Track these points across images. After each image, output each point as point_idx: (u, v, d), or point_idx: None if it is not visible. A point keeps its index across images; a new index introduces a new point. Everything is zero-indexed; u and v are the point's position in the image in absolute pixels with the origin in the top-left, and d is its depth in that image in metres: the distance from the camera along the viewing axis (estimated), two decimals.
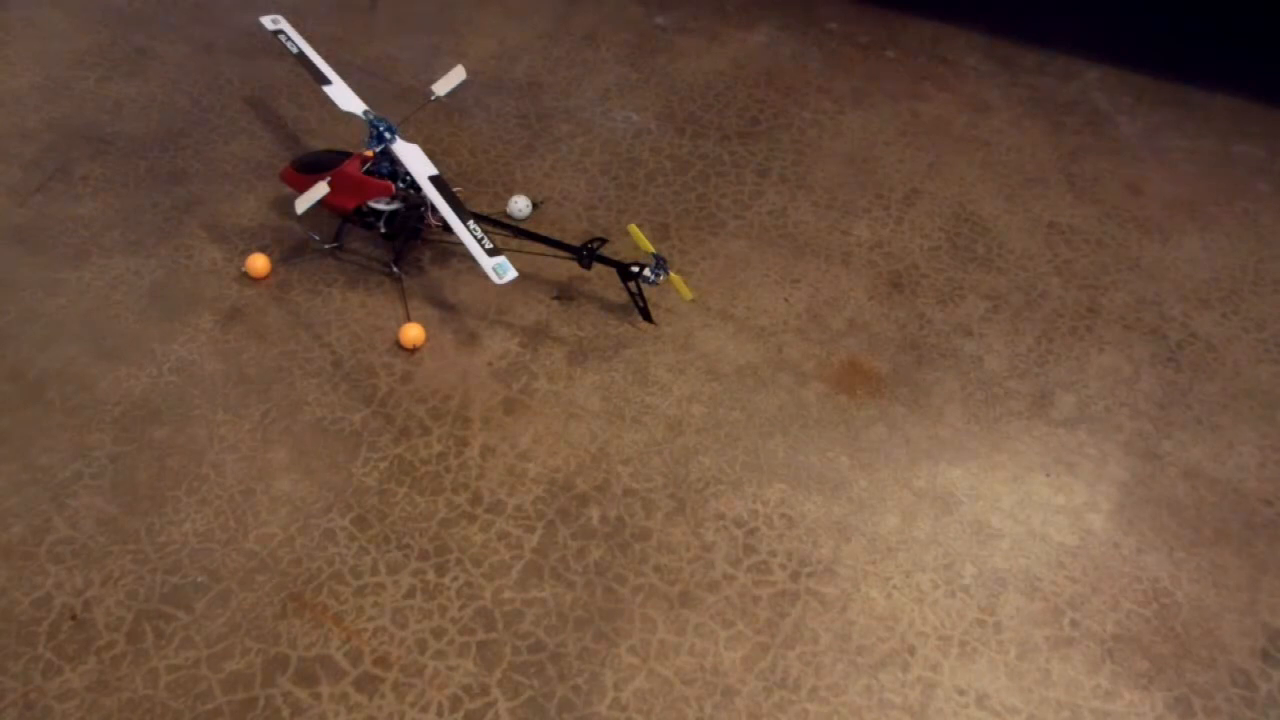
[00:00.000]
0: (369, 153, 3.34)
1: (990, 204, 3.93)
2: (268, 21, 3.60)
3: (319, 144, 4.03)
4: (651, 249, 3.23)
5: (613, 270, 3.34)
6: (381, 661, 2.62)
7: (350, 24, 4.66)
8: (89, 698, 2.54)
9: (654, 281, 3.26)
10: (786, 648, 2.67)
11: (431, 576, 2.79)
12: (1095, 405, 3.26)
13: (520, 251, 3.43)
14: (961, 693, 2.61)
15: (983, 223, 3.85)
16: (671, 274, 3.26)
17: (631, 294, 3.34)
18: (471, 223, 3.01)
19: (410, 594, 2.75)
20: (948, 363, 3.37)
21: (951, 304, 3.55)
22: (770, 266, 3.66)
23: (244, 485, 2.97)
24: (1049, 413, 3.24)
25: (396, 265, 3.51)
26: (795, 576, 2.81)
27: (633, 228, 3.23)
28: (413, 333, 3.32)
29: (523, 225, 3.59)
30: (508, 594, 2.76)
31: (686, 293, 3.28)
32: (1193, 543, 2.92)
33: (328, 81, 3.42)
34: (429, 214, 3.36)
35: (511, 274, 2.93)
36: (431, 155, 3.29)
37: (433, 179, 3.12)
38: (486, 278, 2.94)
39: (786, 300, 3.55)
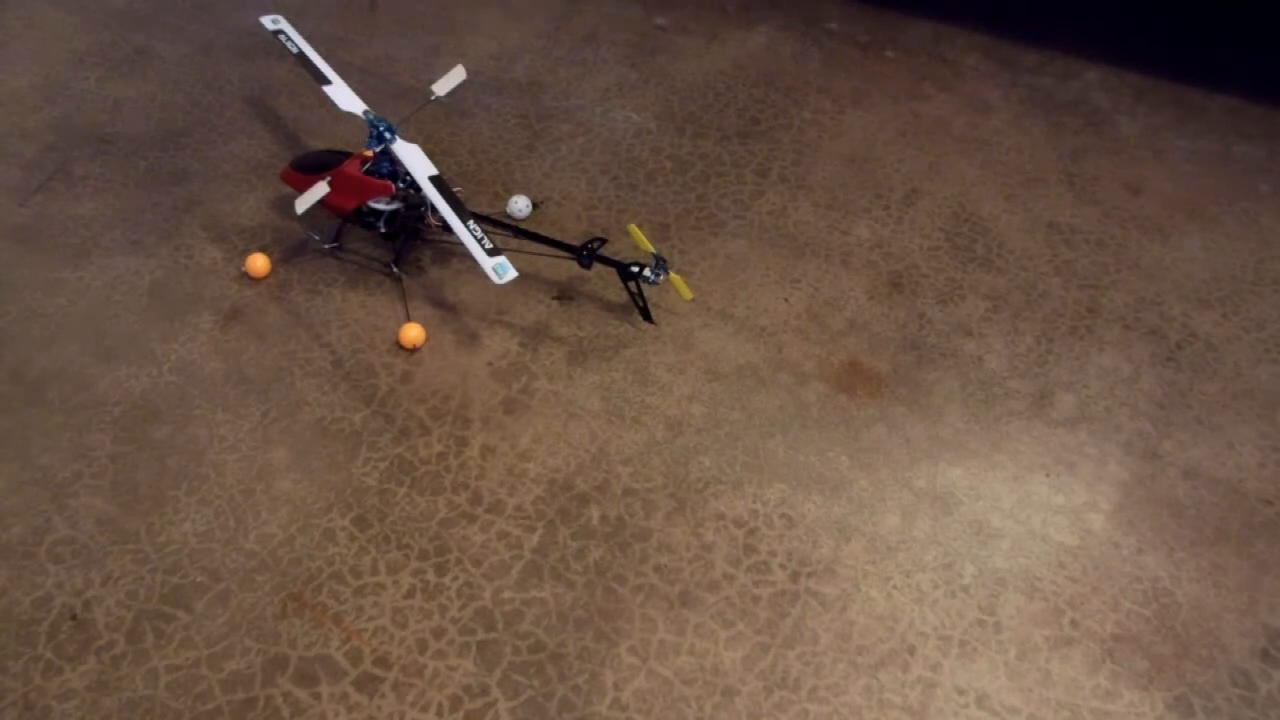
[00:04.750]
0: (369, 153, 3.35)
1: (990, 204, 3.93)
2: (268, 21, 3.60)
3: (319, 144, 4.03)
4: (651, 249, 3.23)
5: (613, 270, 3.34)
6: (381, 661, 2.62)
7: (350, 24, 4.66)
8: (89, 698, 2.54)
9: (654, 281, 3.26)
10: (786, 648, 2.67)
11: (431, 576, 2.79)
12: (1095, 405, 3.26)
13: (520, 251, 3.43)
14: (961, 693, 2.61)
15: (983, 223, 3.85)
16: (671, 274, 3.26)
17: (631, 294, 3.34)
18: (471, 223, 3.01)
19: (410, 594, 2.75)
20: (948, 363, 3.37)
21: (951, 304, 3.55)
22: (770, 266, 3.66)
23: (244, 485, 2.97)
24: (1049, 413, 3.24)
25: (396, 265, 3.50)
26: (795, 576, 2.81)
27: (632, 228, 3.23)
28: (413, 333, 3.32)
29: (523, 225, 3.59)
30: (508, 594, 2.76)
31: (686, 293, 3.28)
32: (1193, 543, 2.92)
33: (328, 81, 3.42)
34: (429, 214, 3.36)
35: (511, 274, 2.93)
36: (431, 155, 3.29)
37: (433, 179, 3.12)
38: (486, 278, 2.94)
39: (786, 300, 3.55)
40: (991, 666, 2.65)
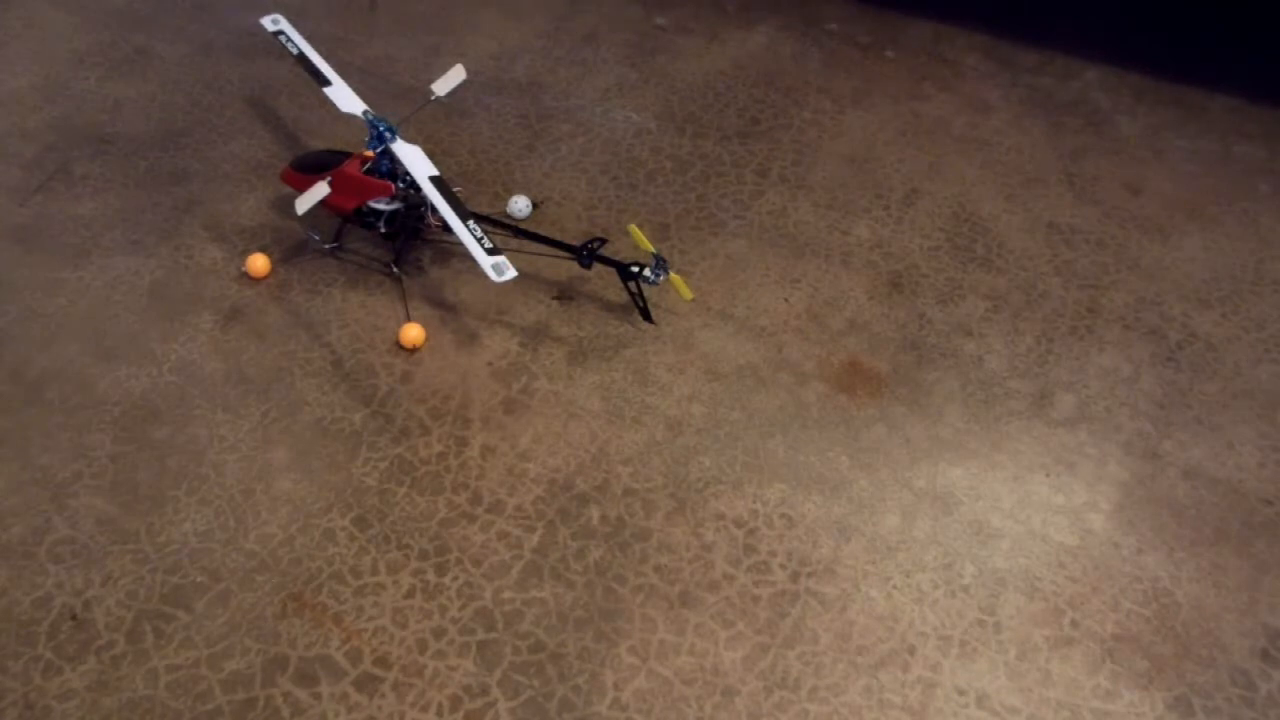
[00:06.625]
0: (369, 153, 3.35)
1: (990, 204, 3.93)
2: (268, 22, 3.60)
3: (319, 144, 4.03)
4: (651, 249, 3.23)
5: (613, 270, 3.34)
6: (381, 661, 2.62)
7: (350, 24, 4.66)
8: (89, 698, 2.54)
9: (654, 281, 3.26)
10: (786, 648, 2.67)
11: (431, 576, 2.79)
12: (1095, 405, 3.26)
13: (520, 251, 3.43)
14: (961, 693, 2.61)
15: (983, 223, 3.85)
16: (671, 274, 3.26)
17: (631, 294, 3.34)
18: (471, 222, 3.01)
19: (410, 594, 2.75)
20: (948, 363, 3.37)
21: (951, 304, 3.55)
22: (770, 266, 3.66)
23: (244, 485, 2.97)
24: (1049, 413, 3.24)
25: (396, 265, 3.50)
26: (795, 576, 2.81)
27: (633, 228, 3.23)
28: (413, 333, 3.32)
29: (523, 225, 3.59)
30: (508, 594, 2.76)
31: (687, 293, 3.28)
32: (1193, 543, 2.92)
33: (328, 83, 3.42)
34: (429, 214, 3.36)
35: (511, 273, 2.93)
36: (431, 155, 3.29)
37: (433, 179, 3.12)
38: (486, 277, 2.94)
39: (786, 300, 3.55)
40: (991, 666, 2.65)
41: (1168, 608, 2.78)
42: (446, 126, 4.15)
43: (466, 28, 4.67)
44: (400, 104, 4.01)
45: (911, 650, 2.68)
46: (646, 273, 3.26)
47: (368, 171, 3.33)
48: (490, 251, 2.95)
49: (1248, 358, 3.41)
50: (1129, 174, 4.07)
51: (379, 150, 3.27)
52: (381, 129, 3.22)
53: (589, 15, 4.77)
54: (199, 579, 2.76)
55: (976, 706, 2.58)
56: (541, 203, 3.84)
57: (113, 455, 3.03)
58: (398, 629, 2.68)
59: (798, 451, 3.11)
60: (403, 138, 3.25)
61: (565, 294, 3.53)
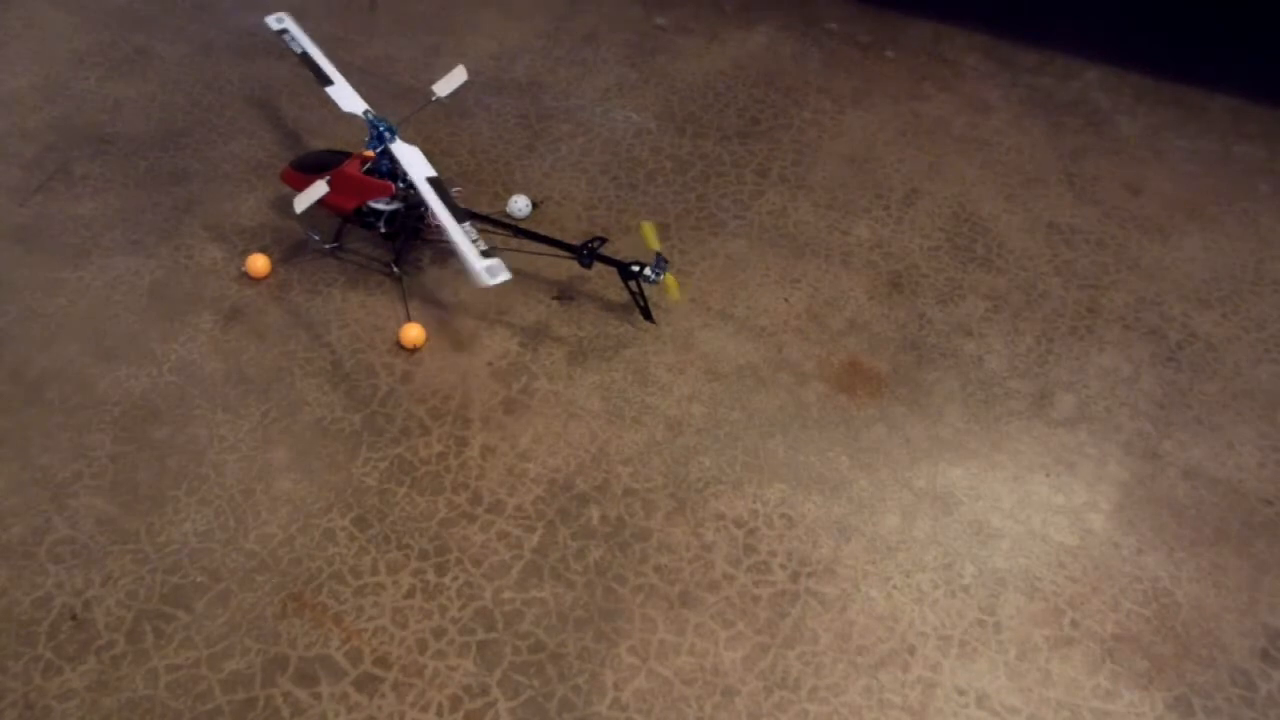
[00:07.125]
0: (369, 153, 3.35)
1: (990, 204, 3.93)
2: (272, 21, 3.59)
3: (319, 144, 4.03)
4: (658, 248, 3.22)
5: (613, 270, 3.34)
6: (381, 661, 2.62)
7: (350, 24, 4.66)
8: (89, 698, 2.54)
9: (654, 280, 3.26)
10: (786, 648, 2.67)
11: (431, 576, 2.79)
12: (1095, 405, 3.26)
13: (520, 251, 3.43)
14: (961, 693, 2.61)
15: (983, 223, 3.85)
16: (666, 274, 3.25)
17: (632, 293, 3.34)
18: (467, 224, 3.00)
19: (410, 594, 2.75)
20: (948, 363, 3.37)
21: (951, 304, 3.55)
22: (770, 266, 3.66)
23: (244, 485, 2.97)
24: (1049, 413, 3.24)
25: (396, 265, 3.50)
26: (795, 576, 2.81)
27: (645, 225, 3.22)
28: (413, 333, 3.32)
29: (523, 225, 3.59)
30: (508, 594, 2.76)
31: (675, 294, 3.27)
32: (1193, 543, 2.92)
33: (330, 82, 3.42)
34: (429, 214, 3.35)
35: (504, 275, 2.91)
36: (431, 155, 3.29)
37: (430, 180, 3.12)
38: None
39: (786, 300, 3.55)
40: (991, 666, 2.65)
41: (1168, 608, 2.78)
42: (446, 126, 4.15)
43: (466, 28, 4.67)
44: (400, 104, 4.01)
45: (911, 650, 2.68)
46: (647, 272, 3.26)
47: (368, 171, 3.33)
48: (484, 254, 2.94)
49: (1248, 358, 3.41)
50: (1129, 174, 4.07)
51: (379, 150, 3.27)
52: (381, 129, 3.22)
53: (589, 15, 4.77)
54: (199, 579, 2.76)
55: (976, 706, 2.58)
56: (541, 203, 3.84)
57: (113, 455, 3.03)
58: (398, 629, 2.68)
59: (798, 451, 3.11)
60: (403, 138, 3.25)
61: (565, 294, 3.53)
